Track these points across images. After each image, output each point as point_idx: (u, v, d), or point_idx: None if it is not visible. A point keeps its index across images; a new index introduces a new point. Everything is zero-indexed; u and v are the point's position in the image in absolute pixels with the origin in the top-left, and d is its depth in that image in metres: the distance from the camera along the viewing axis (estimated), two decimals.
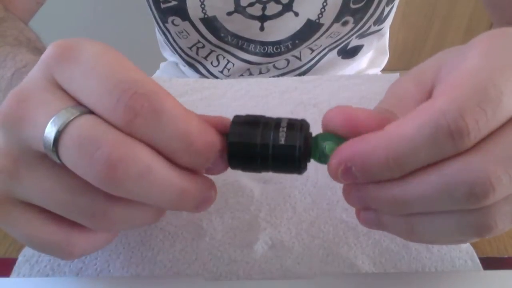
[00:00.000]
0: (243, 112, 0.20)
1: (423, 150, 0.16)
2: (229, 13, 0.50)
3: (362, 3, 0.49)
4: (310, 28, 0.51)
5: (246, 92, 0.39)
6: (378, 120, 0.18)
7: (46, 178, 0.19)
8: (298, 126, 0.19)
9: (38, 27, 0.39)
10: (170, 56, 0.68)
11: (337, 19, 0.49)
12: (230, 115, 0.20)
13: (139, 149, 0.17)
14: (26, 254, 0.26)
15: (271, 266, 0.25)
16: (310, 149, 0.19)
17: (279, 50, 0.54)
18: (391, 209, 0.19)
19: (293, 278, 0.25)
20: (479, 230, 0.18)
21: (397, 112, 0.20)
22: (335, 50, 0.57)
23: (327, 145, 0.19)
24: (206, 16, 0.50)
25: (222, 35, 0.53)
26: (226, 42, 0.55)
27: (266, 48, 0.54)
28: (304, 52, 0.55)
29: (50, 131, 0.17)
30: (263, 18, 0.50)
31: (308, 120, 0.20)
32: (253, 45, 0.54)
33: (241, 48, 0.55)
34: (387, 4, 0.51)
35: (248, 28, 0.52)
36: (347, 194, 0.20)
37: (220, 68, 0.59)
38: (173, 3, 0.50)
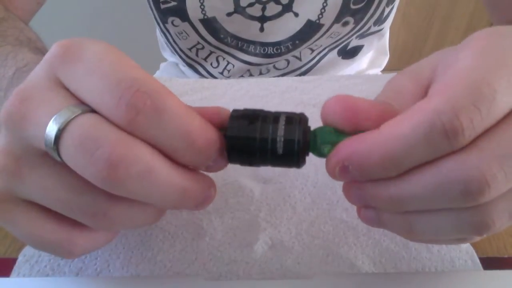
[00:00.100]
0: None
1: (418, 149, 0.16)
2: (229, 14, 0.50)
3: (363, 4, 0.49)
4: (310, 29, 0.51)
5: (246, 92, 0.39)
6: (379, 111, 0.18)
7: (48, 177, 0.19)
8: (297, 120, 0.19)
9: (38, 27, 0.39)
10: (170, 56, 0.68)
11: (337, 20, 0.49)
12: None
13: (140, 148, 0.17)
14: (26, 254, 0.26)
15: (271, 266, 0.25)
16: (308, 143, 0.19)
17: (279, 50, 0.54)
18: (389, 207, 0.19)
19: (293, 278, 0.25)
20: (477, 228, 0.18)
21: (394, 105, 0.20)
22: (335, 50, 0.57)
23: (325, 143, 0.19)
24: (205, 17, 0.50)
25: (222, 36, 0.53)
26: (226, 44, 0.55)
27: (266, 49, 0.54)
28: (304, 52, 0.55)
29: (51, 130, 0.17)
30: (263, 19, 0.50)
31: (309, 120, 0.20)
32: (253, 46, 0.54)
33: (241, 49, 0.55)
34: (387, 5, 0.51)
35: (247, 29, 0.52)
36: (347, 192, 0.20)
37: (220, 69, 0.59)
38: (173, 3, 0.50)
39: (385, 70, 0.68)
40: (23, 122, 0.18)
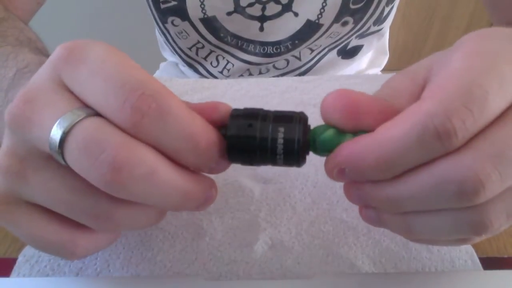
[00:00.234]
0: None
1: (412, 152, 0.16)
2: (229, 13, 0.50)
3: (362, 3, 0.49)
4: (310, 29, 0.51)
5: (246, 92, 0.39)
6: (381, 107, 0.18)
7: (51, 179, 0.19)
8: (296, 119, 0.19)
9: (38, 27, 0.39)
10: (170, 56, 0.68)
11: (336, 20, 0.49)
12: None
13: (144, 151, 0.17)
14: (26, 254, 0.26)
15: (271, 266, 0.25)
16: (308, 142, 0.19)
17: (278, 50, 0.54)
18: (387, 207, 0.19)
19: (293, 278, 0.25)
20: (475, 229, 0.18)
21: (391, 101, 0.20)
22: (335, 50, 0.57)
23: (325, 142, 0.19)
24: (205, 16, 0.50)
25: (222, 35, 0.53)
26: (226, 43, 0.55)
27: (266, 49, 0.54)
28: (304, 52, 0.55)
29: (55, 133, 0.17)
30: (262, 19, 0.50)
31: (308, 120, 0.20)
32: (253, 46, 0.54)
33: (240, 49, 0.55)
34: (387, 4, 0.51)
35: (247, 29, 0.52)
36: (347, 192, 0.21)
37: (220, 68, 0.59)
38: (173, 3, 0.50)
39: (384, 70, 0.68)
40: (28, 124, 0.18)
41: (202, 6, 0.49)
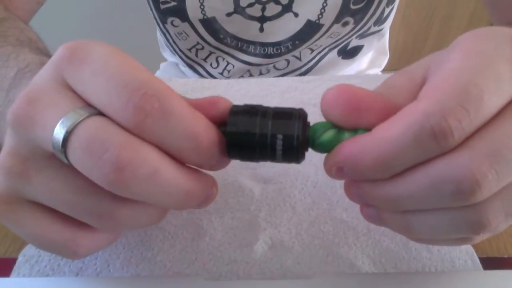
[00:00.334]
0: None
1: (409, 151, 0.16)
2: (229, 14, 0.50)
3: (362, 4, 0.49)
4: (310, 29, 0.51)
5: (246, 92, 0.39)
6: (381, 103, 0.18)
7: (54, 179, 0.19)
8: (296, 116, 0.19)
9: (38, 27, 0.39)
10: (170, 56, 0.68)
11: (337, 20, 0.49)
12: None
13: (147, 150, 0.17)
14: (26, 254, 0.26)
15: (271, 266, 0.25)
16: (308, 138, 0.19)
17: (279, 51, 0.54)
18: (386, 206, 0.19)
19: (293, 278, 0.25)
20: (473, 227, 0.18)
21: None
22: (335, 50, 0.57)
23: (324, 139, 0.19)
24: (205, 17, 0.50)
25: (222, 36, 0.53)
26: (226, 44, 0.55)
27: (266, 49, 0.54)
28: (304, 52, 0.55)
29: (58, 133, 0.17)
30: (262, 19, 0.50)
31: (309, 120, 0.20)
32: (253, 46, 0.54)
33: (240, 50, 0.55)
34: (387, 5, 0.51)
35: (247, 29, 0.52)
36: (347, 190, 0.21)
37: (220, 69, 0.59)
38: (173, 4, 0.50)
39: (385, 70, 0.68)
40: (31, 124, 0.18)
41: (202, 7, 0.49)
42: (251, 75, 0.58)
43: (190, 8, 0.49)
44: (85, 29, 1.28)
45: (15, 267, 0.26)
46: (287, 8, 0.49)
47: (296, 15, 0.50)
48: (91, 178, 0.17)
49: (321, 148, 0.19)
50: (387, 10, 0.53)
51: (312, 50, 0.55)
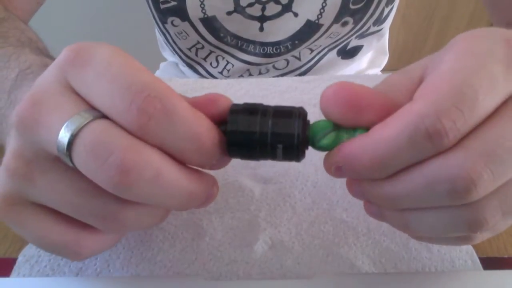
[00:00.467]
0: None
1: (404, 152, 0.17)
2: (229, 13, 0.50)
3: (362, 4, 0.49)
4: (310, 29, 0.51)
5: (246, 92, 0.39)
6: (382, 100, 0.18)
7: (59, 181, 0.19)
8: (296, 114, 0.19)
9: (38, 27, 0.39)
10: (170, 56, 0.68)
11: (336, 20, 0.49)
12: None
13: (151, 153, 0.17)
14: (26, 254, 0.26)
15: (271, 266, 0.25)
16: (308, 137, 0.20)
17: (278, 50, 0.54)
18: (385, 204, 0.20)
19: (293, 278, 0.25)
20: (470, 226, 0.18)
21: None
22: (335, 50, 0.57)
23: (324, 138, 0.19)
24: (205, 16, 0.50)
25: (222, 35, 0.53)
26: (226, 43, 0.55)
27: (266, 49, 0.54)
28: (304, 52, 0.55)
29: (63, 136, 0.17)
30: (262, 19, 0.50)
31: (308, 119, 0.20)
32: (253, 46, 0.54)
33: (240, 49, 0.55)
34: (386, 5, 0.51)
35: (247, 29, 0.52)
36: (349, 187, 0.21)
37: (220, 69, 0.59)
38: (173, 3, 0.50)
39: (384, 70, 0.68)
40: (36, 126, 0.18)
41: (202, 5, 0.49)
42: (250, 75, 0.58)
43: (191, 7, 0.49)
44: (85, 29, 1.27)
45: (15, 267, 0.26)
46: (287, 8, 0.49)
47: (295, 15, 0.50)
48: (96, 181, 0.17)
49: (321, 146, 0.20)
50: (386, 10, 0.53)
51: (312, 50, 0.55)
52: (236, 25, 0.51)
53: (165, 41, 0.60)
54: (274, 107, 0.20)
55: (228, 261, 0.26)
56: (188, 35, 0.54)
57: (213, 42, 0.55)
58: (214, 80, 0.42)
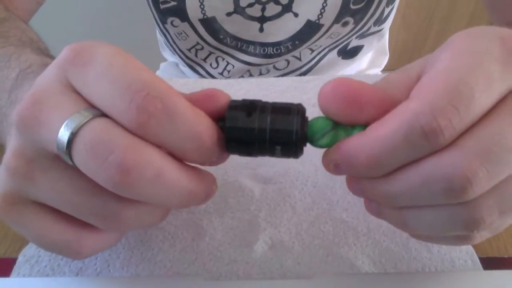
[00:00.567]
0: None
1: (401, 151, 0.17)
2: (229, 14, 0.50)
3: (362, 4, 0.49)
4: (310, 29, 0.51)
5: (246, 92, 0.39)
6: (381, 96, 0.18)
7: (59, 180, 0.19)
8: (295, 111, 0.19)
9: (38, 27, 0.39)
10: (170, 56, 0.68)
11: (337, 20, 0.49)
12: None
13: (152, 153, 0.17)
14: (26, 254, 0.26)
15: (271, 266, 0.25)
16: (306, 133, 0.20)
17: (279, 51, 0.54)
18: (383, 201, 0.20)
19: (293, 278, 0.25)
20: (468, 224, 0.18)
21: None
22: (335, 51, 0.57)
23: (322, 135, 0.19)
24: (205, 17, 0.50)
25: (221, 36, 0.53)
26: (225, 44, 0.55)
27: (266, 49, 0.54)
28: (304, 52, 0.55)
29: (63, 134, 0.17)
30: (262, 19, 0.50)
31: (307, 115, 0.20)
32: (253, 47, 0.54)
33: (240, 50, 0.55)
34: (387, 5, 0.51)
35: (247, 30, 0.52)
36: (349, 185, 0.21)
37: (220, 70, 0.59)
38: (172, 3, 0.50)
39: (385, 70, 0.68)
40: (36, 125, 0.18)
41: (202, 6, 0.49)
42: (251, 75, 0.58)
43: (190, 8, 0.49)
44: (85, 29, 1.27)
45: (15, 267, 0.26)
46: (287, 8, 0.49)
47: (296, 15, 0.50)
48: (96, 180, 0.17)
49: (319, 143, 0.20)
50: (387, 10, 0.53)
51: (312, 50, 0.55)
52: (236, 26, 0.51)
53: (165, 41, 0.60)
54: (272, 104, 0.20)
55: (228, 261, 0.26)
56: (187, 36, 0.54)
57: (213, 44, 0.55)
58: (214, 80, 0.42)
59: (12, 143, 0.19)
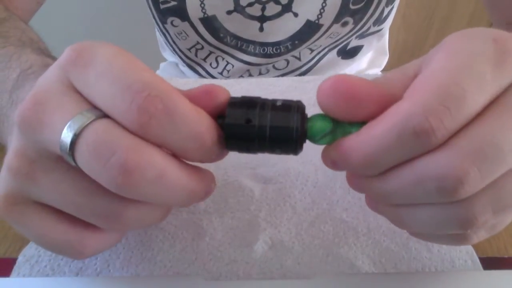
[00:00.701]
0: None
1: (394, 151, 0.17)
2: (229, 12, 0.50)
3: (362, 4, 0.49)
4: (310, 29, 0.51)
5: (246, 92, 0.39)
6: (378, 91, 0.18)
7: (61, 181, 0.19)
8: (294, 108, 0.19)
9: (38, 27, 0.39)
10: (170, 56, 0.68)
11: (336, 20, 0.49)
12: None
13: (153, 153, 0.18)
14: (26, 254, 0.26)
15: (271, 266, 0.25)
16: (306, 130, 0.20)
17: (278, 50, 0.54)
18: (379, 199, 0.20)
19: (293, 278, 0.25)
20: (462, 223, 0.18)
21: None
22: (335, 51, 0.57)
23: (321, 132, 0.19)
24: (205, 15, 0.50)
25: (221, 35, 0.53)
26: (225, 43, 0.55)
27: (266, 49, 0.54)
28: (304, 52, 0.55)
29: (66, 135, 0.17)
30: (262, 19, 0.50)
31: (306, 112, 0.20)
32: (253, 46, 0.54)
33: (240, 49, 0.55)
34: (386, 5, 0.51)
35: (247, 29, 0.52)
36: (349, 180, 0.21)
37: (220, 69, 0.59)
38: (173, 3, 0.50)
39: (385, 70, 0.68)
40: (38, 126, 0.18)
41: (202, 5, 0.49)
42: (250, 75, 0.58)
43: (191, 6, 0.49)
44: (85, 29, 1.27)
45: (15, 267, 0.26)
46: (287, 8, 0.49)
47: (295, 15, 0.50)
48: (99, 180, 0.18)
49: (318, 140, 0.20)
50: (386, 10, 0.53)
51: (312, 50, 0.55)
52: (236, 25, 0.51)
53: (165, 41, 0.60)
54: (272, 101, 0.20)
55: (228, 261, 0.26)
56: (187, 35, 0.54)
57: (213, 43, 0.55)
58: (214, 80, 0.42)
59: (14, 144, 0.19)
